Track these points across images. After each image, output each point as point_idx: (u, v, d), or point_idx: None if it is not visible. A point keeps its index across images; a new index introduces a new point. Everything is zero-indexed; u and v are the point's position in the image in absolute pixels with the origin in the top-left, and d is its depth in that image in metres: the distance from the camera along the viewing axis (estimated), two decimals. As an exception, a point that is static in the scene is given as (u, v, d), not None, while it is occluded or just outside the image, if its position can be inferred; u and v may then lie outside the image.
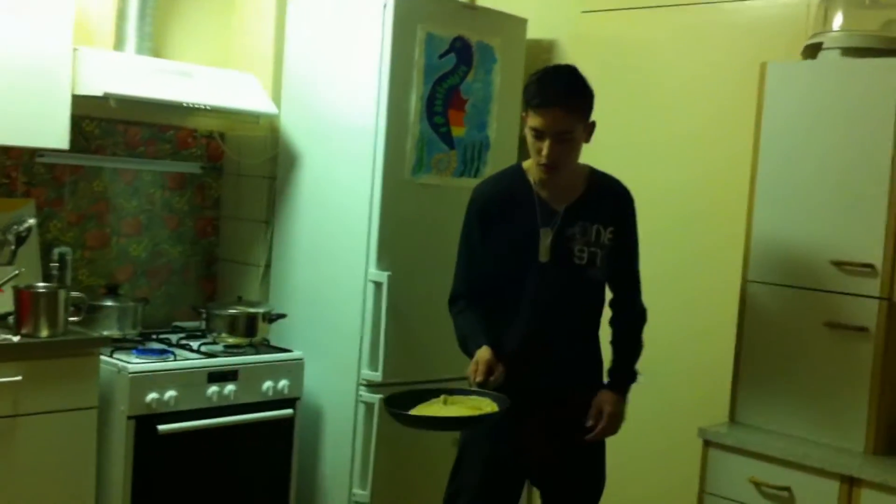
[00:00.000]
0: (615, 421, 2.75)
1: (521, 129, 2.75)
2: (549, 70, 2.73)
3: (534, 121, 2.61)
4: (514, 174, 2.79)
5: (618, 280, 2.83)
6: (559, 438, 2.73)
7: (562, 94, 2.61)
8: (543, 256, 2.68)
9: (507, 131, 3.79)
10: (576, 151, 2.68)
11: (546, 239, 2.68)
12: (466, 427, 2.64)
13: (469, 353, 2.68)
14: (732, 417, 3.12)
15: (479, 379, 2.58)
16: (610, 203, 2.77)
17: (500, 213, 2.73)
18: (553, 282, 2.70)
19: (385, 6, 3.41)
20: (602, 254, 2.72)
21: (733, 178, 3.33)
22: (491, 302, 2.74)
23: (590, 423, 2.71)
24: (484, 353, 2.62)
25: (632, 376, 2.84)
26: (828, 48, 3.03)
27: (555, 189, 2.72)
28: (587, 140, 2.70)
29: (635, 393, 3.67)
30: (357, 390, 3.49)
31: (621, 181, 2.85)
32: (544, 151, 2.60)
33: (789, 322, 3.01)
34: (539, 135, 2.61)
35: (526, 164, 2.78)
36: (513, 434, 2.69)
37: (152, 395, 3.18)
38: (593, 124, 2.70)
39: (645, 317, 2.88)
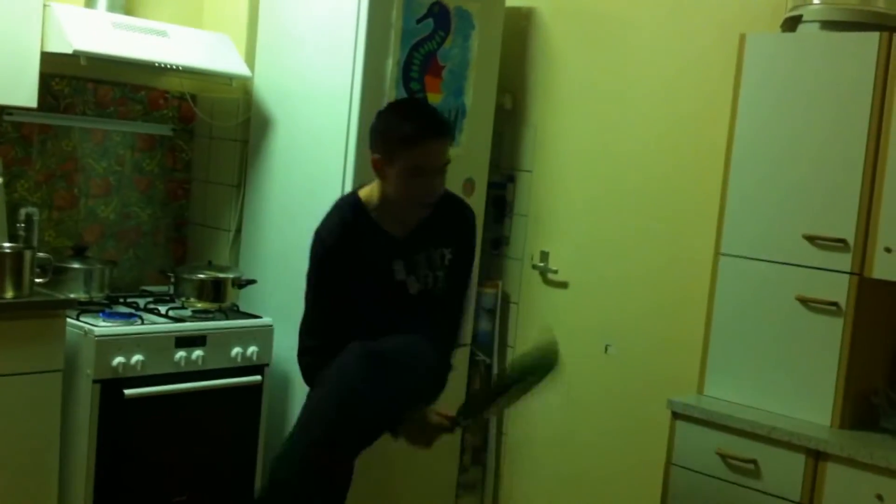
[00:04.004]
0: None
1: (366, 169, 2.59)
2: (406, 104, 2.59)
3: (418, 158, 2.47)
4: (353, 208, 2.63)
5: (446, 296, 2.72)
6: None
7: (443, 124, 2.54)
8: (412, 289, 2.62)
9: (484, 98, 3.75)
10: None
11: (400, 271, 2.61)
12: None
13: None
14: (701, 390, 3.12)
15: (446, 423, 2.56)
16: (451, 223, 2.70)
17: (351, 252, 2.59)
18: (406, 308, 2.63)
19: (362, -32, 3.36)
20: (442, 275, 2.67)
21: (709, 150, 3.32)
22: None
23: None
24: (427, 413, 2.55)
25: None
26: (807, 21, 3.01)
27: (394, 218, 2.62)
28: None
29: (604, 364, 3.71)
30: (327, 357, 3.46)
31: (460, 196, 2.79)
32: (432, 188, 2.52)
33: (760, 296, 3.01)
34: (420, 172, 2.49)
35: (364, 196, 2.63)
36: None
37: (119, 359, 3.14)
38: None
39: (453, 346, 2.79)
